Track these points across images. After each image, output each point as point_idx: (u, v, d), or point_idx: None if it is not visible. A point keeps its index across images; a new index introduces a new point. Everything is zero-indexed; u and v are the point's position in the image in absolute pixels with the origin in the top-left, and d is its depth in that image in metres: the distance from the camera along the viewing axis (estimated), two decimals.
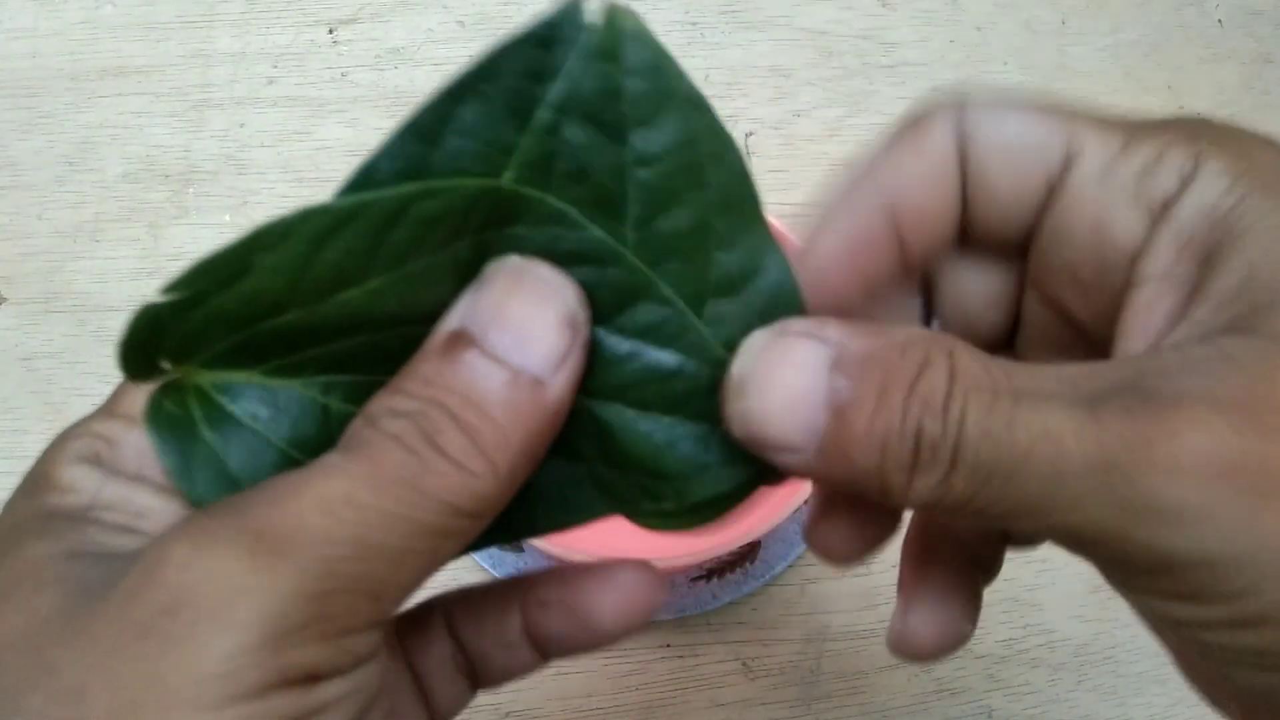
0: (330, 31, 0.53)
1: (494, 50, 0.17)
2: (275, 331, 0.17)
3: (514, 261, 0.17)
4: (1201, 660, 0.17)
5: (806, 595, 0.43)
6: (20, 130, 0.50)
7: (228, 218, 0.49)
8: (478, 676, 0.23)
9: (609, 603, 0.21)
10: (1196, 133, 0.17)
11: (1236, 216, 0.16)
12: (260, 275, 0.17)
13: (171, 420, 0.18)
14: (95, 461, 0.18)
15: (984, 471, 0.15)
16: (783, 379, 0.16)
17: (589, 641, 0.21)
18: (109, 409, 0.19)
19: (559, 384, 0.17)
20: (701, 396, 0.18)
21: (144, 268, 0.47)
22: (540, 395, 0.17)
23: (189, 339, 0.17)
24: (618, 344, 0.18)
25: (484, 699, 0.41)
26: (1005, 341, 0.22)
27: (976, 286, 0.21)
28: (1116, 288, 0.18)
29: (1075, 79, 0.55)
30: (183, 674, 0.14)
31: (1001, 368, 0.16)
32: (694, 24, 0.55)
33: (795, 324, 0.17)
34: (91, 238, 0.48)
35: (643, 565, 0.21)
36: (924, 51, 0.56)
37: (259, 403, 0.18)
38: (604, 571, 0.21)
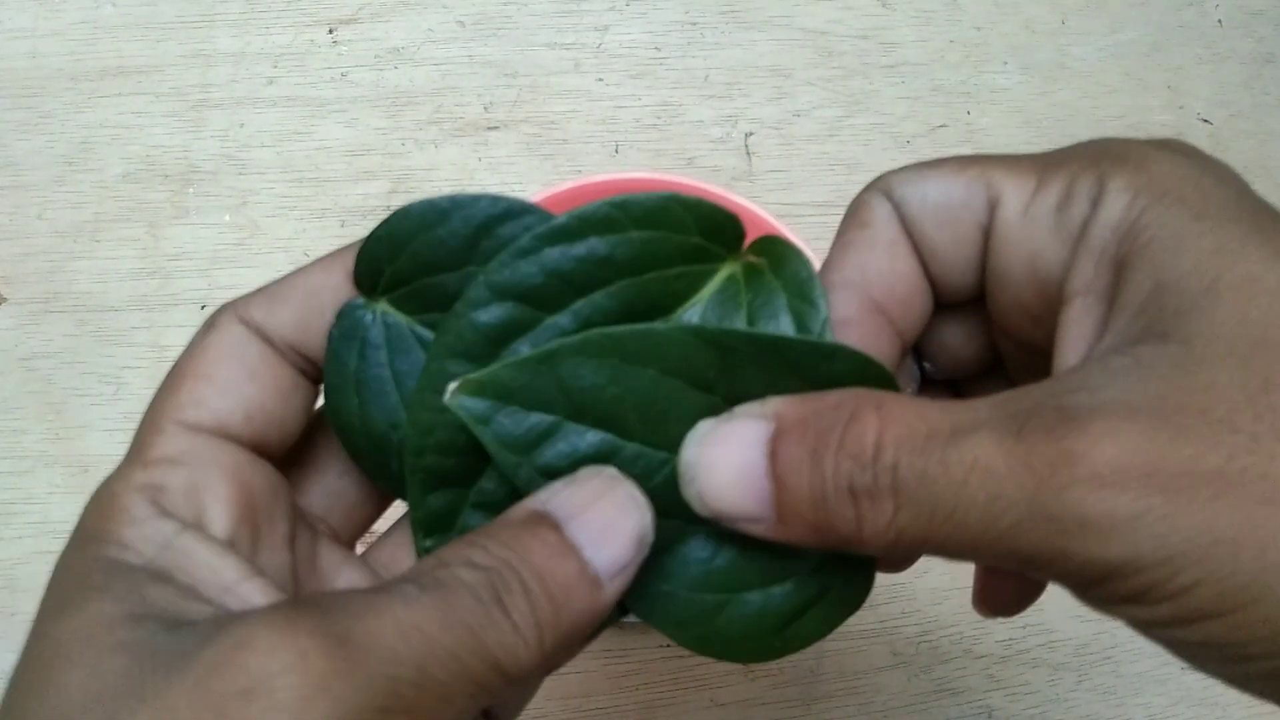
0: (330, 31, 0.53)
1: None
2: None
3: (610, 471, 0.19)
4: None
5: None
6: (20, 130, 0.50)
7: (228, 218, 0.49)
8: None
9: None
10: (1099, 155, 0.18)
11: (1141, 227, 0.17)
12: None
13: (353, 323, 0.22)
14: (151, 514, 0.19)
15: (927, 509, 0.16)
16: (726, 457, 0.18)
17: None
18: (143, 459, 0.20)
19: (614, 588, 0.19)
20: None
21: (144, 268, 0.47)
22: (597, 593, 0.18)
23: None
24: None
25: None
26: (995, 370, 0.23)
27: (954, 333, 0.22)
28: (1054, 317, 0.19)
29: (1075, 79, 0.55)
30: None
31: (936, 408, 0.17)
32: (694, 24, 0.55)
33: (739, 408, 0.19)
34: (91, 238, 0.48)
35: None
36: (924, 51, 0.56)
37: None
38: None
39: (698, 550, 0.21)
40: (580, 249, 0.21)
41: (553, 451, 0.20)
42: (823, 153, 0.52)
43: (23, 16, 0.53)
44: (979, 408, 0.17)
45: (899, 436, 0.16)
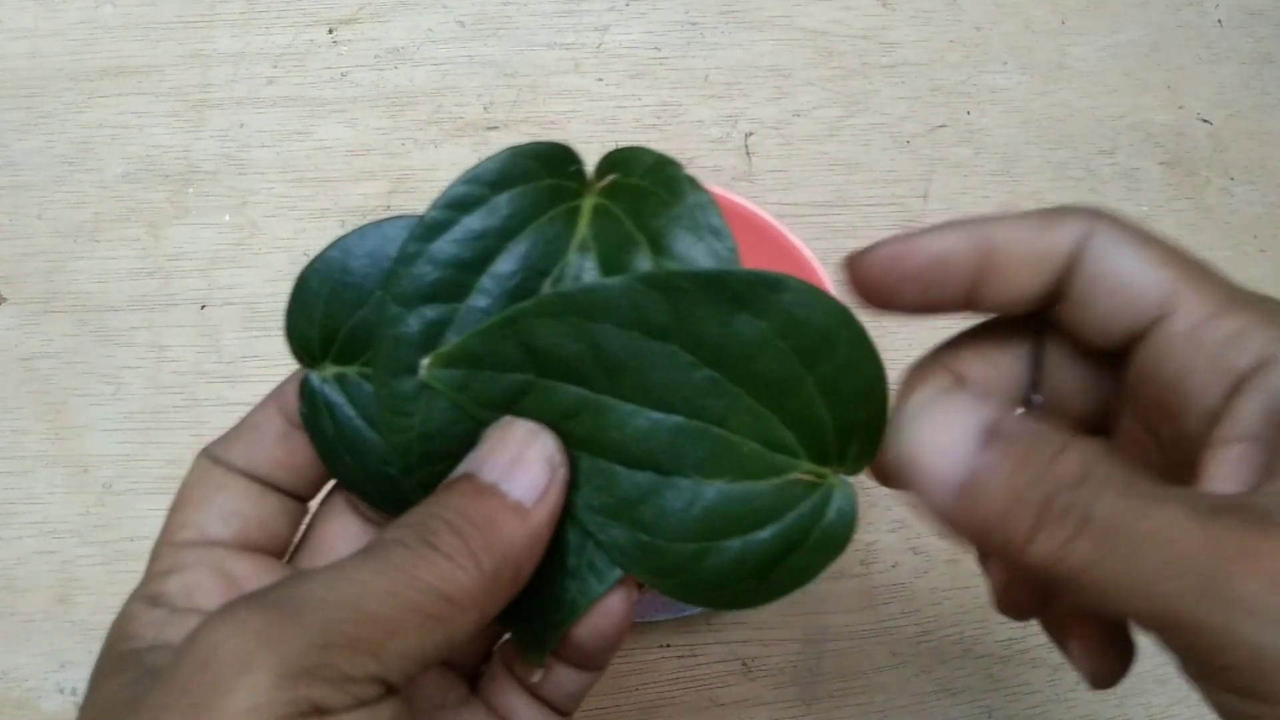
0: (330, 31, 0.53)
1: None
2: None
3: (503, 420, 0.22)
4: None
5: (806, 595, 0.43)
6: (20, 130, 0.50)
7: (227, 218, 0.49)
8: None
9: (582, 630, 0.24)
10: (1262, 308, 0.20)
11: None
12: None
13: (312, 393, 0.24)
14: (149, 610, 0.23)
15: (1106, 548, 0.17)
16: (946, 424, 0.19)
17: (580, 675, 0.25)
18: (146, 580, 0.24)
19: (542, 510, 0.21)
20: None
21: (143, 268, 0.47)
22: (526, 518, 0.21)
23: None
24: None
25: None
26: (1094, 432, 0.24)
27: (1075, 376, 0.23)
28: (1191, 433, 0.21)
29: (1075, 79, 0.55)
30: (218, 714, 0.17)
31: (1131, 469, 0.18)
32: (694, 24, 0.55)
33: (959, 392, 0.21)
34: (91, 238, 0.48)
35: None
36: (924, 51, 0.56)
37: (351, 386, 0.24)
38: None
39: (673, 500, 0.22)
40: (457, 233, 0.22)
41: (531, 408, 0.21)
42: (823, 153, 0.52)
43: (23, 16, 0.53)
44: (1166, 487, 0.18)
45: (1106, 476, 0.18)
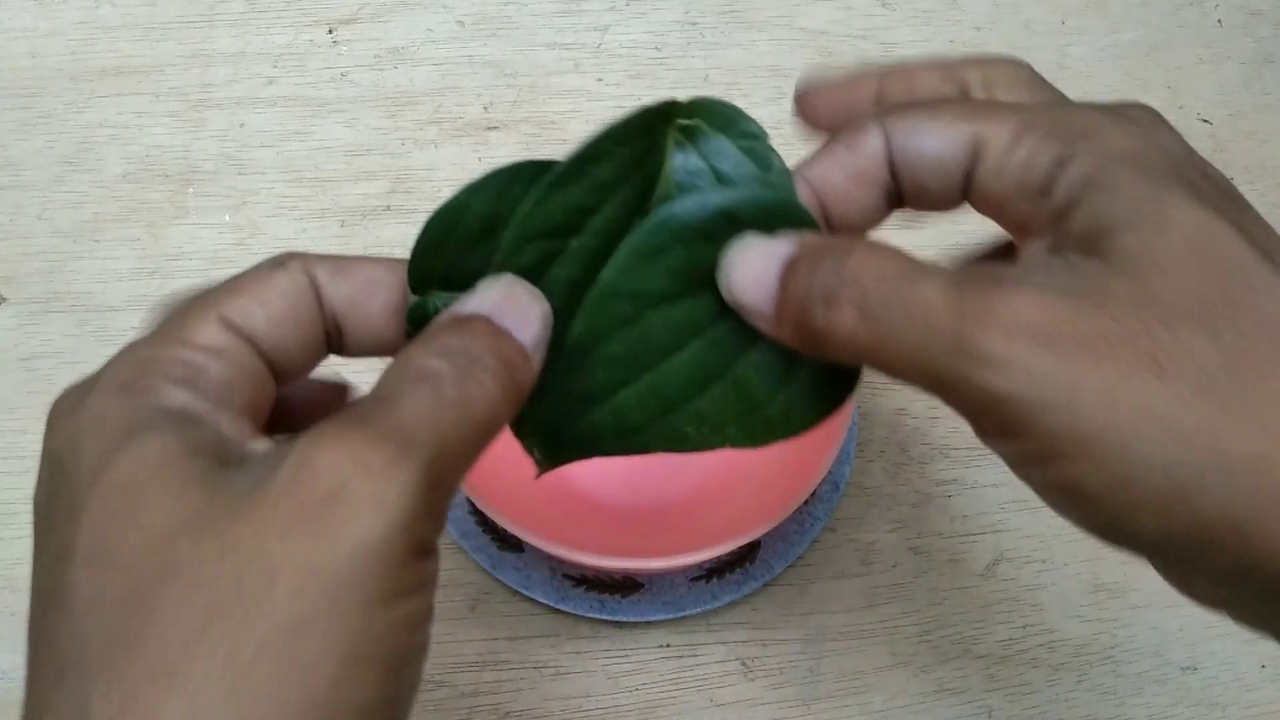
0: (330, 31, 0.53)
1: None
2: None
3: (507, 277, 0.24)
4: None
5: (806, 595, 0.43)
6: (20, 130, 0.50)
7: (227, 218, 0.49)
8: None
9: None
10: (1065, 126, 0.23)
11: (1091, 185, 0.22)
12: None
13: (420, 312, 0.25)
14: (186, 383, 0.21)
15: (880, 325, 0.21)
16: (752, 262, 0.23)
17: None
18: (183, 338, 0.22)
19: (537, 359, 0.23)
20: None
21: (143, 268, 0.47)
22: (529, 363, 0.23)
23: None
24: None
25: (484, 699, 0.41)
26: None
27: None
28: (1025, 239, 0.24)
29: (1075, 79, 0.55)
30: (352, 544, 0.18)
31: (911, 260, 0.21)
32: (694, 24, 0.55)
33: (780, 231, 0.24)
34: (91, 238, 0.48)
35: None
36: (924, 51, 0.56)
37: None
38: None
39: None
40: (585, 183, 0.24)
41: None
42: None
43: (23, 16, 0.53)
44: (939, 268, 0.21)
45: (876, 268, 0.21)
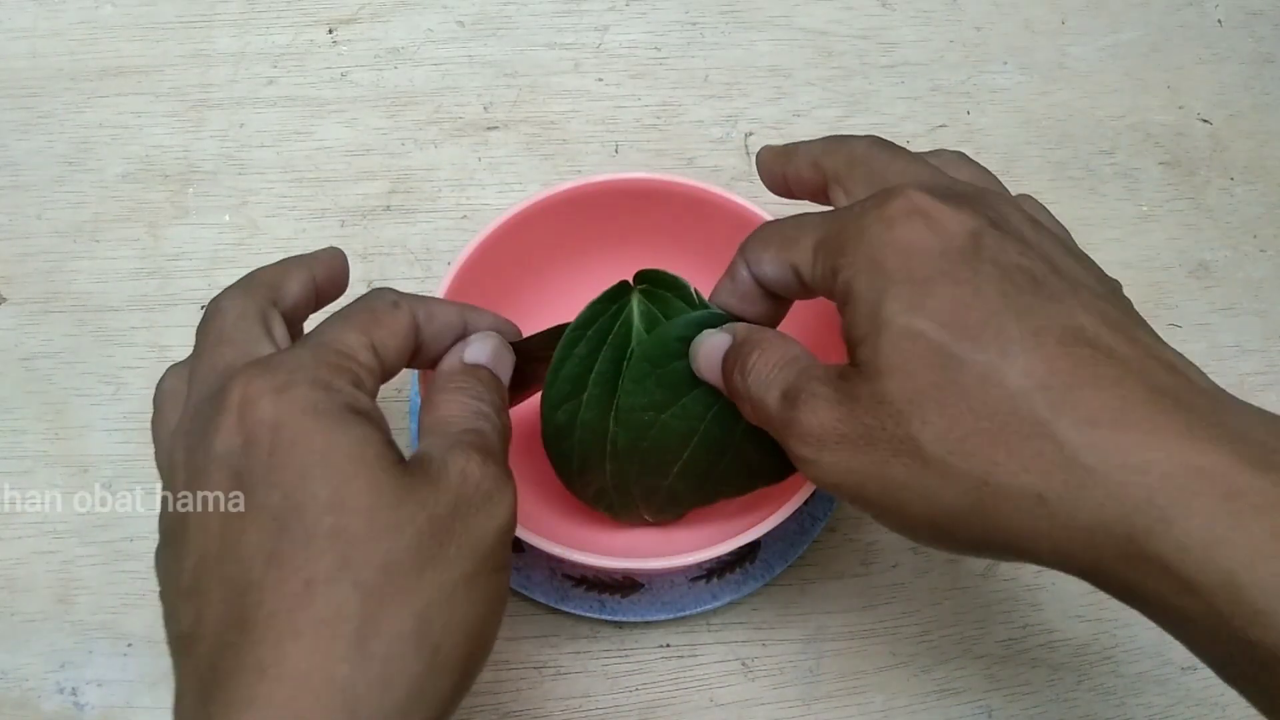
0: (330, 31, 0.53)
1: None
2: None
3: (487, 329, 0.34)
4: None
5: (806, 595, 0.43)
6: (20, 130, 0.50)
7: (227, 218, 0.49)
8: None
9: None
10: (841, 234, 0.29)
11: (852, 293, 0.28)
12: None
13: None
14: (367, 394, 0.28)
15: (756, 403, 0.30)
16: (707, 351, 0.33)
17: None
18: (347, 353, 0.28)
19: (499, 373, 0.33)
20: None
21: (144, 268, 0.47)
22: (506, 397, 0.33)
23: None
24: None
25: (483, 699, 0.41)
26: None
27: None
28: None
29: (1075, 79, 0.55)
30: (497, 526, 0.27)
31: (798, 353, 0.31)
32: (694, 24, 0.55)
33: (725, 325, 0.33)
34: (91, 238, 0.48)
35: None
36: (923, 51, 0.56)
37: None
38: None
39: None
40: (572, 364, 0.35)
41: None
42: None
43: (23, 16, 0.53)
44: (800, 369, 0.30)
45: (772, 363, 0.30)
